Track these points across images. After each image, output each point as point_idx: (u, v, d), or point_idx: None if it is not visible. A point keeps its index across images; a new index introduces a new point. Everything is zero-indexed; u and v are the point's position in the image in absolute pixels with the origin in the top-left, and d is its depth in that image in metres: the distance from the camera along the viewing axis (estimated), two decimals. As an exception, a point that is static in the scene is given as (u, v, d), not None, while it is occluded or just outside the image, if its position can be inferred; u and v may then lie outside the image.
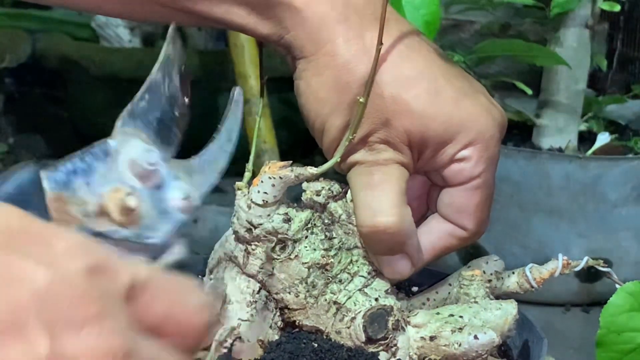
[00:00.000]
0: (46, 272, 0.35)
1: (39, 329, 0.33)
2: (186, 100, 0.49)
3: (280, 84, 1.61)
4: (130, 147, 0.45)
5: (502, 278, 0.64)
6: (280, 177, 0.57)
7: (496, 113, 0.61)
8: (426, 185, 0.64)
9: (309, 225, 0.59)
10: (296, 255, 0.58)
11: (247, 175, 0.62)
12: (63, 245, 0.36)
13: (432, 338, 0.57)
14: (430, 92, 0.59)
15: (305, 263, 0.58)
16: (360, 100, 0.57)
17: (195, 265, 0.65)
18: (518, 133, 1.31)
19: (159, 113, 0.48)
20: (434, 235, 0.62)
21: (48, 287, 0.34)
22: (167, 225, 0.46)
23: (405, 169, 0.60)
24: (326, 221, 0.60)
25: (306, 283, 0.59)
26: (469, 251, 1.18)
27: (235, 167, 0.70)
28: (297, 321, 0.60)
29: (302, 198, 0.60)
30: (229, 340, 0.59)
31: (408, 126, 0.58)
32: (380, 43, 0.56)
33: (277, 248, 0.58)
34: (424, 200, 0.64)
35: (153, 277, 0.38)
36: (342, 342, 0.58)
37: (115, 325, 0.35)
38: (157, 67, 0.49)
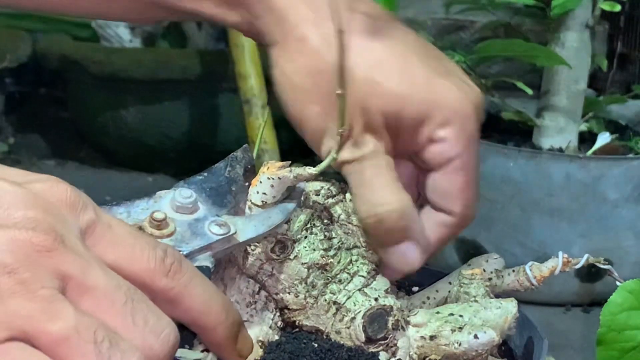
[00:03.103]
0: (6, 185, 0.38)
1: None
2: (246, 184, 0.55)
3: (280, 84, 1.61)
4: (172, 192, 0.50)
5: (502, 276, 0.64)
6: (279, 178, 0.56)
7: (471, 93, 0.61)
8: (414, 174, 0.64)
9: (309, 226, 0.59)
10: (295, 256, 0.58)
11: (247, 175, 0.62)
12: (46, 177, 0.40)
13: (432, 337, 0.57)
14: (403, 72, 0.59)
15: (305, 263, 0.58)
16: (339, 92, 0.56)
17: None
18: (518, 133, 1.31)
19: (214, 184, 0.53)
20: (426, 229, 0.62)
21: None
22: (198, 241, 0.49)
23: (390, 156, 0.60)
24: (325, 221, 0.60)
25: (306, 283, 0.59)
26: (469, 250, 1.18)
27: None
28: (297, 321, 0.60)
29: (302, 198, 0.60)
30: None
31: (383, 107, 0.58)
32: (340, 30, 0.53)
33: (277, 248, 0.58)
34: (414, 189, 0.64)
35: (114, 225, 0.40)
36: (342, 342, 0.58)
37: (49, 228, 0.37)
38: (223, 159, 0.56)
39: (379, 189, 0.58)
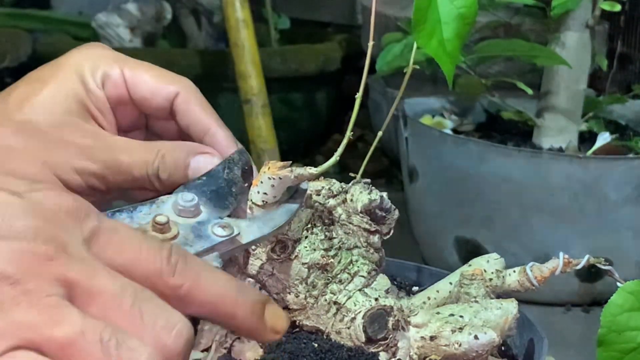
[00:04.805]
0: (7, 195, 0.38)
1: None
2: (245, 185, 0.56)
3: (280, 84, 1.61)
4: (174, 196, 0.51)
5: (503, 276, 0.64)
6: (280, 178, 0.56)
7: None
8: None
9: (309, 225, 0.59)
10: (296, 256, 0.58)
11: (247, 175, 0.62)
12: (46, 185, 0.39)
13: (432, 338, 0.57)
14: None
15: (305, 263, 0.58)
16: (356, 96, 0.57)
17: None
18: (518, 133, 1.31)
19: (214, 187, 0.54)
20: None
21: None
22: (202, 243, 0.49)
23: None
24: (326, 221, 0.60)
25: (306, 283, 0.59)
26: (469, 250, 1.18)
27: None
28: (298, 321, 0.60)
29: (302, 198, 0.60)
30: (229, 341, 0.59)
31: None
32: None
33: (277, 248, 0.58)
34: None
35: (118, 228, 0.40)
36: (342, 342, 0.58)
37: (50, 237, 0.37)
38: (220, 162, 0.57)
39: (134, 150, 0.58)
